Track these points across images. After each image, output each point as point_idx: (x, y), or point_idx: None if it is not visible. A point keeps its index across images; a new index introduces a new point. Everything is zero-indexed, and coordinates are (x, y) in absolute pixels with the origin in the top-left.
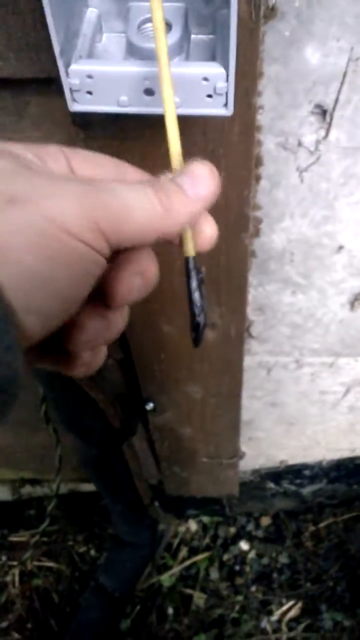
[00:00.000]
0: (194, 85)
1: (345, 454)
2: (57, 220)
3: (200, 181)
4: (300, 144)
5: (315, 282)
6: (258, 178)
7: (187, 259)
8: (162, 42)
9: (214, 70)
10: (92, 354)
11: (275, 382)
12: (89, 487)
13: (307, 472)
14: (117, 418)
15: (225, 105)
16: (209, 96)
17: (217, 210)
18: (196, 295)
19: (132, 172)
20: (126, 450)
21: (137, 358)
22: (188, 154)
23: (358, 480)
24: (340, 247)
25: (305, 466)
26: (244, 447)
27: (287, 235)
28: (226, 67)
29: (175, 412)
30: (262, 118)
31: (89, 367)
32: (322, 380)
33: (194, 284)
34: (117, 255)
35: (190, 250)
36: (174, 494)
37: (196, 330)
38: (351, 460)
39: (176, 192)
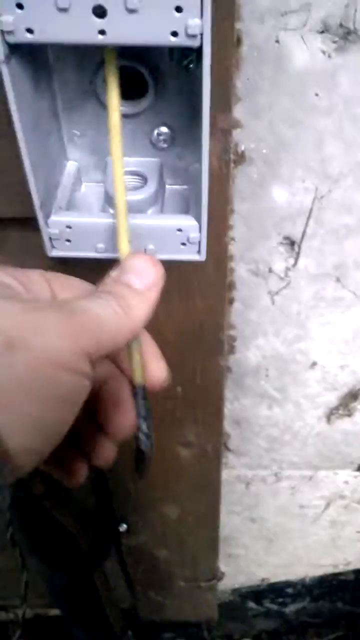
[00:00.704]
0: (168, 235)
1: (328, 570)
2: (52, 359)
3: (143, 272)
4: (270, 270)
5: (290, 396)
6: (231, 301)
7: (135, 388)
8: (120, 192)
9: (187, 222)
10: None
11: (254, 496)
12: (57, 611)
13: (289, 590)
14: (88, 542)
15: (199, 252)
16: (183, 244)
17: (192, 334)
18: (144, 426)
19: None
20: (97, 577)
21: (111, 478)
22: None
23: (342, 598)
24: (314, 364)
25: (287, 584)
26: (222, 565)
27: (262, 352)
28: (198, 219)
29: (150, 533)
30: (233, 248)
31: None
32: (302, 494)
33: (142, 412)
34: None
35: (138, 377)
36: (148, 619)
37: (140, 459)
38: (334, 576)
39: (129, 291)
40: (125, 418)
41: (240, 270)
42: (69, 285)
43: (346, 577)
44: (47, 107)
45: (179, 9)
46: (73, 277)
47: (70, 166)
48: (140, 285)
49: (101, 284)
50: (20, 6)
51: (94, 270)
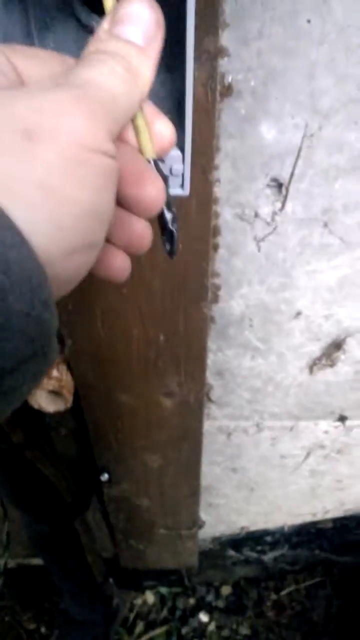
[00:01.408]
0: None
1: (307, 518)
2: (81, 143)
3: (140, 20)
4: (257, 215)
5: (274, 347)
6: (216, 247)
7: (148, 161)
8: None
9: (171, 152)
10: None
11: (236, 446)
12: (39, 560)
13: (268, 539)
14: (70, 492)
15: (182, 186)
16: (166, 177)
17: (175, 280)
18: (168, 202)
19: (73, 61)
20: (78, 525)
21: (93, 428)
22: None
23: (320, 545)
24: (298, 313)
25: (266, 532)
26: (203, 515)
27: (246, 302)
28: (182, 149)
29: (132, 482)
30: (219, 190)
31: (124, 271)
32: (283, 444)
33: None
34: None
35: (149, 149)
36: (129, 566)
37: (170, 239)
38: (313, 524)
39: (130, 48)
40: (153, 187)
41: (226, 215)
42: (36, 59)
43: (324, 525)
44: (19, 25)
45: None
46: (38, 49)
47: None
48: (140, 38)
49: (94, 39)
50: None
51: None
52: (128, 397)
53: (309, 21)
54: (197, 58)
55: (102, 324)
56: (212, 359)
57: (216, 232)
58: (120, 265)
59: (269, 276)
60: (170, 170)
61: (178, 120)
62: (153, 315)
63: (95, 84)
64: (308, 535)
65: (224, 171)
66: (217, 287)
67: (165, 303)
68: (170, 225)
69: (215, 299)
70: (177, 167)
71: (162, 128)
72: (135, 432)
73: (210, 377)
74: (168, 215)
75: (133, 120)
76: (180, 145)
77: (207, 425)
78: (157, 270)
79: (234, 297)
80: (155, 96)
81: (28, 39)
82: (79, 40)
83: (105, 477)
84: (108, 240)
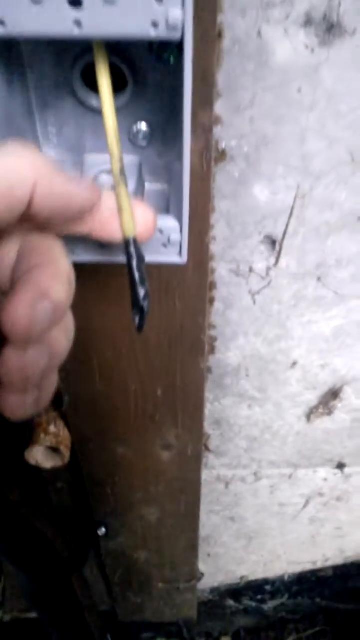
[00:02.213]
0: None
1: (307, 566)
2: None
3: None
4: (251, 270)
5: (271, 396)
6: (212, 300)
7: (126, 240)
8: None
9: (168, 223)
10: (33, 391)
11: (234, 495)
12: (35, 614)
13: (268, 588)
14: (66, 547)
15: (180, 254)
16: (164, 245)
17: (172, 335)
18: (137, 275)
19: None
20: (75, 581)
21: (89, 481)
22: None
23: (321, 593)
24: (294, 363)
25: (266, 581)
26: (201, 565)
27: (242, 352)
28: (179, 220)
29: (129, 536)
30: (214, 247)
31: (37, 403)
32: (282, 493)
33: (134, 263)
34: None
35: (128, 230)
36: (127, 619)
37: (140, 315)
38: (313, 573)
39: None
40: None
41: (221, 270)
42: None
43: (325, 573)
44: (20, 104)
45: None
46: None
47: None
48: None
49: None
50: None
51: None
52: (125, 450)
53: (299, 90)
54: (192, 131)
55: (100, 378)
56: (209, 408)
57: (212, 286)
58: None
59: (265, 327)
60: (169, 239)
61: (175, 190)
62: (150, 371)
63: None
64: (308, 583)
65: (219, 229)
66: (213, 339)
67: (162, 358)
68: (141, 302)
69: (212, 350)
70: (175, 237)
71: (140, 215)
72: (132, 486)
73: (207, 427)
74: (141, 292)
75: (117, 199)
76: (178, 216)
77: (205, 475)
78: (154, 327)
79: (230, 348)
80: (152, 166)
81: (29, 117)
82: (77, 116)
83: (102, 531)
84: None
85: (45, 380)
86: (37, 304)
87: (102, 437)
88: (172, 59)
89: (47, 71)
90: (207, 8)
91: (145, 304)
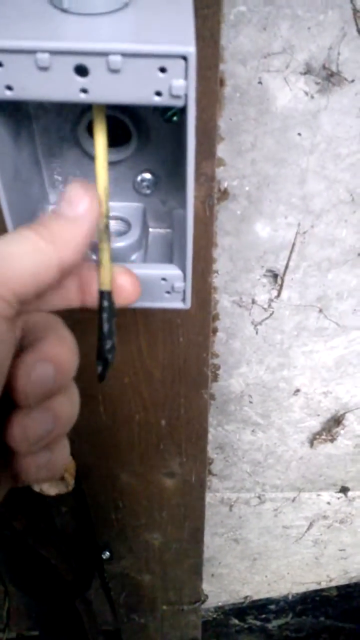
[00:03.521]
0: (153, 284)
1: (311, 587)
2: None
3: (75, 201)
4: (254, 302)
5: (274, 422)
6: (215, 330)
7: (101, 292)
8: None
9: (172, 272)
10: (45, 454)
11: (238, 518)
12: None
13: (272, 607)
14: (71, 571)
15: (183, 300)
16: (168, 292)
17: (176, 369)
18: (106, 328)
19: None
20: (79, 604)
21: (94, 506)
22: (146, 322)
23: (325, 613)
24: (297, 391)
25: (270, 601)
26: (206, 585)
27: (245, 380)
28: (183, 268)
29: (133, 559)
30: (217, 280)
31: (50, 466)
32: (285, 515)
33: (104, 316)
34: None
35: (104, 284)
36: None
37: (103, 366)
38: (317, 592)
39: (56, 221)
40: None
41: (224, 302)
42: None
43: (329, 593)
44: (27, 155)
45: (163, 70)
46: None
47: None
48: (71, 214)
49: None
50: None
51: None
52: (129, 478)
53: (299, 134)
54: (195, 180)
55: (105, 410)
56: (212, 433)
57: (215, 317)
58: None
59: (267, 356)
60: (172, 287)
61: (178, 236)
62: (154, 402)
63: None
64: (313, 602)
65: (221, 263)
66: (217, 367)
67: (166, 390)
68: (106, 354)
69: (215, 378)
70: (179, 284)
71: (124, 282)
72: (136, 512)
73: (211, 451)
74: (107, 344)
75: (98, 253)
76: (181, 264)
77: (209, 498)
78: (158, 362)
79: (233, 376)
80: (156, 212)
81: (36, 167)
82: (82, 166)
83: (106, 555)
84: None
85: (55, 445)
86: (39, 365)
87: (106, 465)
88: (175, 118)
89: (53, 123)
90: (209, 65)
91: (109, 356)
